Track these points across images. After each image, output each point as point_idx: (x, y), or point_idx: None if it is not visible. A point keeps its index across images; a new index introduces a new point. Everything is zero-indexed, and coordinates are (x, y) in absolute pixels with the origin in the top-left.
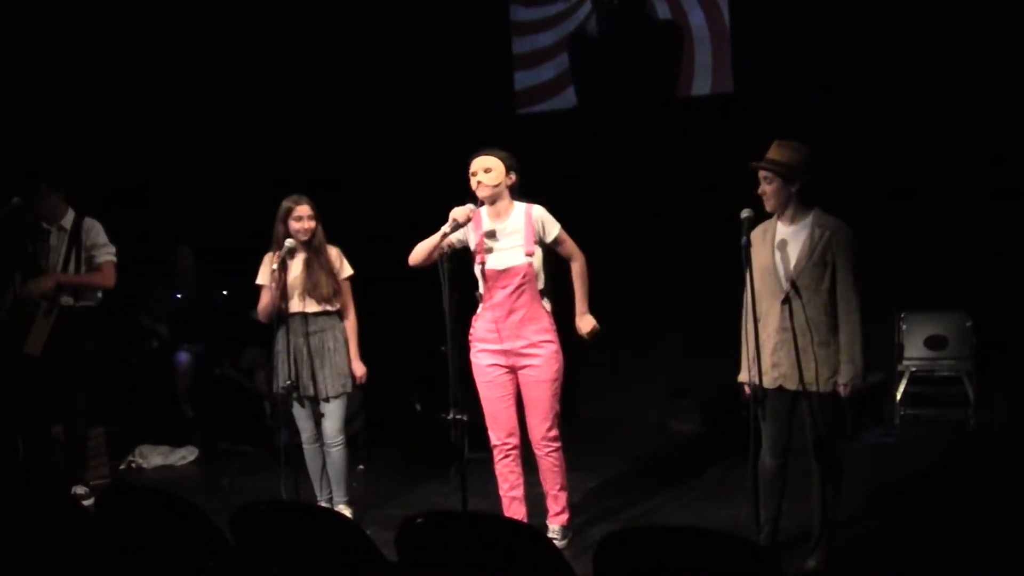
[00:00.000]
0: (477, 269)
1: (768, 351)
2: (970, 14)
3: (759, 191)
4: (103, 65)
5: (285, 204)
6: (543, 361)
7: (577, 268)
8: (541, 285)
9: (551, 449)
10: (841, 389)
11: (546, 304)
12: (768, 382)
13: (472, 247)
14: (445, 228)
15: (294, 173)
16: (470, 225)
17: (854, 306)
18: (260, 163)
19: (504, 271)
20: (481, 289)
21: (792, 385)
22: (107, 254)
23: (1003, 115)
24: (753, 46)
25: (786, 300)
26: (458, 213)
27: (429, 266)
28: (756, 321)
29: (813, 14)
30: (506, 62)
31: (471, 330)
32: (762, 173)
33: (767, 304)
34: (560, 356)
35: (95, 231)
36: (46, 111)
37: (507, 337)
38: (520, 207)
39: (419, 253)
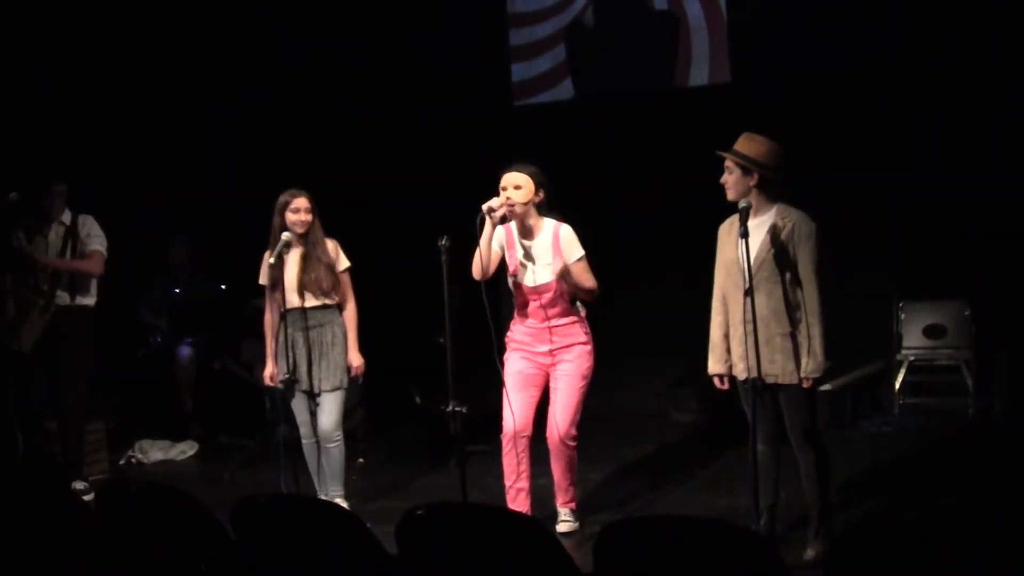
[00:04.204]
0: (510, 281)
1: (737, 342)
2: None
3: (721, 180)
4: (102, 60)
5: (282, 198)
6: (575, 357)
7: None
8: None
9: (569, 448)
10: (803, 382)
11: (579, 309)
12: (739, 372)
13: (507, 261)
14: (487, 229)
15: (291, 166)
16: (504, 240)
17: (815, 298)
18: (258, 157)
19: (536, 287)
20: (515, 301)
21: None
22: (98, 244)
23: (1001, 102)
24: (750, 36)
25: (748, 292)
26: (493, 202)
27: (494, 272)
28: (755, 315)
29: (810, 3)
30: (503, 54)
31: (507, 334)
32: (725, 163)
33: (732, 296)
34: (592, 356)
35: (90, 223)
36: (46, 108)
37: (542, 341)
38: (549, 225)
39: (479, 262)
